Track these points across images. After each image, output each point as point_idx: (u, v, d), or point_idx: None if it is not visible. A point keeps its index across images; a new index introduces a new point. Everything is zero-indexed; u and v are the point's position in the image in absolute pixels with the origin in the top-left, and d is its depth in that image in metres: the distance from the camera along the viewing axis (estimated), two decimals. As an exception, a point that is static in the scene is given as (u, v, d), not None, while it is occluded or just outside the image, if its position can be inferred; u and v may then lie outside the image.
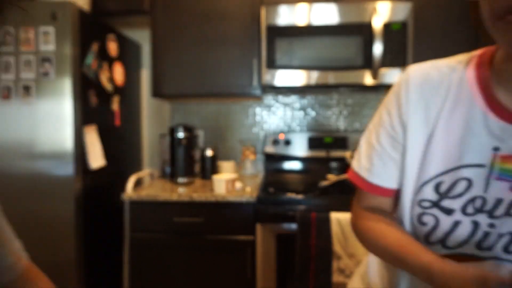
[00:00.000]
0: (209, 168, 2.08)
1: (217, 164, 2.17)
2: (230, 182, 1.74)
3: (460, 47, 1.89)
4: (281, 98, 2.34)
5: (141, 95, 2.40)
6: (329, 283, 1.53)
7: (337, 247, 1.52)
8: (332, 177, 1.85)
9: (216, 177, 1.74)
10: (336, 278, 1.53)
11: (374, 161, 0.69)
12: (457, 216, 0.60)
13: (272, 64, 1.84)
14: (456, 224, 0.60)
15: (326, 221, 1.53)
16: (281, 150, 2.21)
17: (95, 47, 1.73)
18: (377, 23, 1.74)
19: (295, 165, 2.23)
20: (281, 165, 2.24)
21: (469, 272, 0.49)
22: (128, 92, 2.13)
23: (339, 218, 1.53)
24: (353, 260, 1.51)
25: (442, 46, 1.89)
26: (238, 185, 1.83)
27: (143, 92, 2.40)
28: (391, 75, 1.81)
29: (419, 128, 0.63)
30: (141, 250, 1.72)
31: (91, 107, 1.71)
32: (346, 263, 1.51)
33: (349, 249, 1.51)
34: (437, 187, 0.62)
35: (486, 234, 0.59)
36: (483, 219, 0.59)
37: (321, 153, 2.18)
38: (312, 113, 2.33)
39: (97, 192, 1.78)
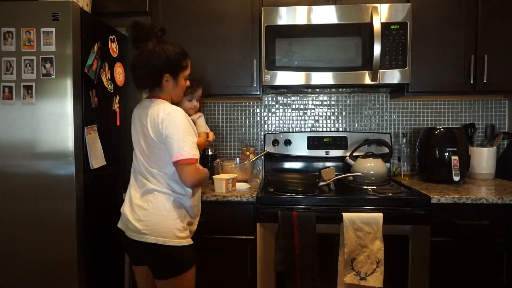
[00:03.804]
0: (209, 168, 2.08)
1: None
2: (230, 182, 1.75)
3: (459, 47, 1.90)
4: (281, 98, 2.35)
5: (142, 95, 2.40)
6: (315, 283, 1.54)
7: (351, 247, 1.53)
8: (331, 176, 1.86)
9: (217, 177, 1.75)
10: (351, 280, 1.54)
11: None
12: None
13: (272, 65, 1.85)
14: None
15: (309, 221, 1.54)
16: (281, 150, 2.22)
17: (96, 47, 1.74)
18: (377, 24, 1.75)
19: (295, 165, 2.24)
20: (281, 165, 2.25)
21: None
22: (128, 92, 2.13)
23: (353, 218, 1.54)
24: (369, 260, 1.53)
25: (441, 47, 1.90)
26: (238, 184, 1.84)
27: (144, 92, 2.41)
28: (390, 75, 1.82)
29: None
30: (141, 250, 1.73)
31: (92, 107, 1.72)
32: (361, 260, 1.53)
33: (364, 249, 1.54)
34: None
35: None
36: None
37: (320, 153, 2.19)
38: (312, 113, 2.34)
39: (98, 192, 1.78)
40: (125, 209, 1.38)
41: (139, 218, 1.31)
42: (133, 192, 1.38)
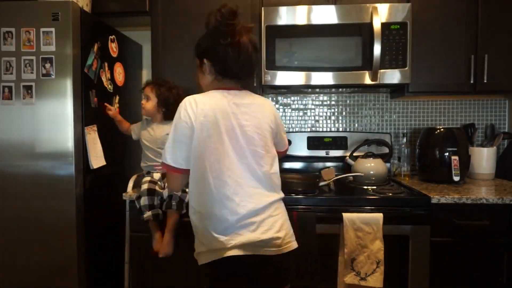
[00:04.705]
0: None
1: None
2: (230, 182, 1.75)
3: (459, 47, 1.90)
4: (280, 98, 2.35)
5: (141, 95, 2.39)
6: (315, 283, 1.54)
7: (351, 248, 1.53)
8: (331, 177, 1.86)
9: (216, 177, 1.74)
10: (351, 280, 1.54)
11: None
12: None
13: (272, 65, 1.85)
14: None
15: (310, 221, 1.54)
16: (281, 150, 2.21)
17: (95, 47, 1.74)
18: (377, 24, 1.74)
19: (295, 165, 2.24)
20: (281, 165, 2.24)
21: None
22: (128, 92, 2.13)
23: (353, 219, 1.54)
24: (369, 260, 1.53)
25: (441, 47, 1.90)
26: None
27: (143, 92, 2.40)
28: (390, 75, 1.81)
29: None
30: (141, 250, 1.72)
31: (92, 107, 1.72)
32: (362, 260, 1.53)
33: (364, 249, 1.54)
34: None
35: None
36: None
37: (320, 153, 2.19)
38: (312, 113, 2.34)
39: (98, 192, 1.79)
40: None
41: None
42: None
